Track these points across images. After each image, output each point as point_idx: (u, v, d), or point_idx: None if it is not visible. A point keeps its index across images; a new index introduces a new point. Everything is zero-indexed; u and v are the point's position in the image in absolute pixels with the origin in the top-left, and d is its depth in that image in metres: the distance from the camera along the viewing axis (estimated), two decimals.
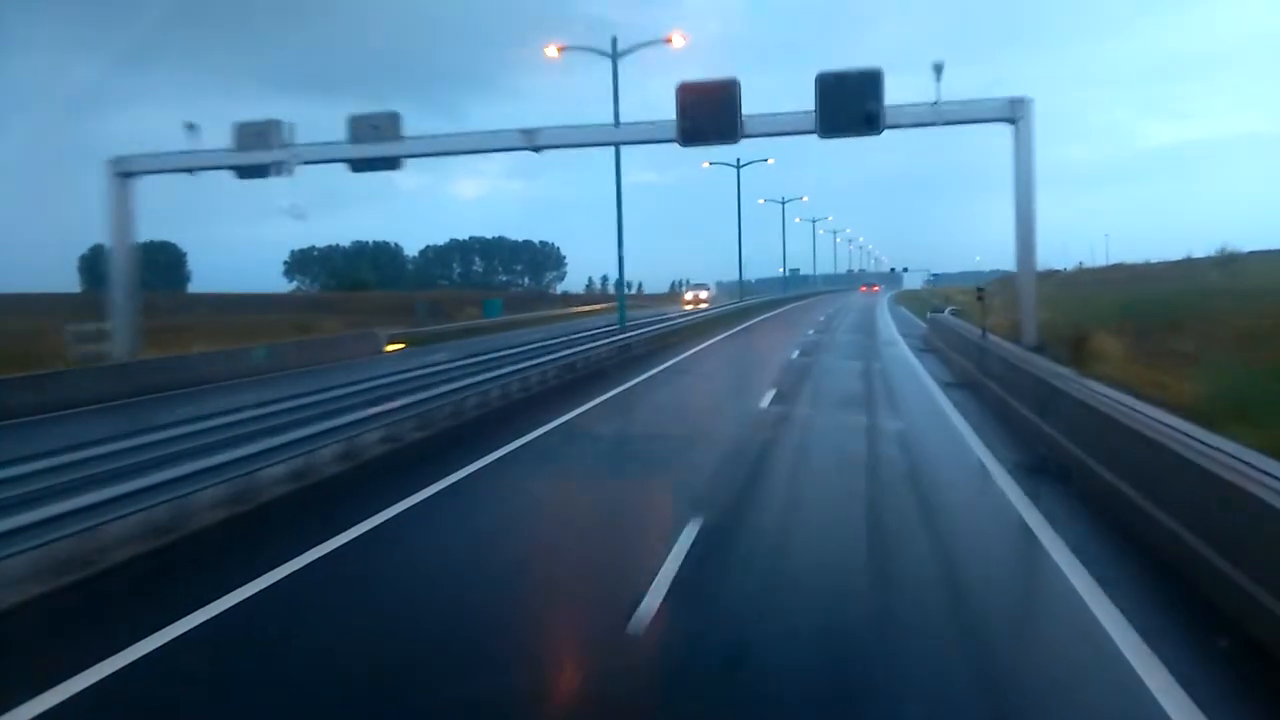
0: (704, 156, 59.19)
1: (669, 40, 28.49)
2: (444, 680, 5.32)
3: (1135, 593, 6.35)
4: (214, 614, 6.28)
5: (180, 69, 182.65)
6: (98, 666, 5.37)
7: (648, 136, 22.71)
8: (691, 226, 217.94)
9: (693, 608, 6.35)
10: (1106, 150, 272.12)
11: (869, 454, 12.13)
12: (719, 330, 37.97)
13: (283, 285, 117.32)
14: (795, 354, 26.44)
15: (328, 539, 7.97)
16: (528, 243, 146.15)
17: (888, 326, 41.34)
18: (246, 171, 23.86)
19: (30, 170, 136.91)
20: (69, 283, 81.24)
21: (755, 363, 26.49)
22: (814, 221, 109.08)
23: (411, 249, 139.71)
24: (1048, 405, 11.98)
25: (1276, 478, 6.04)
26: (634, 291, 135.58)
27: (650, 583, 6.57)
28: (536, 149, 23.00)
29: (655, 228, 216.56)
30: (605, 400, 17.96)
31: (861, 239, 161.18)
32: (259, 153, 22.99)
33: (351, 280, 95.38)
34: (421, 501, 9.49)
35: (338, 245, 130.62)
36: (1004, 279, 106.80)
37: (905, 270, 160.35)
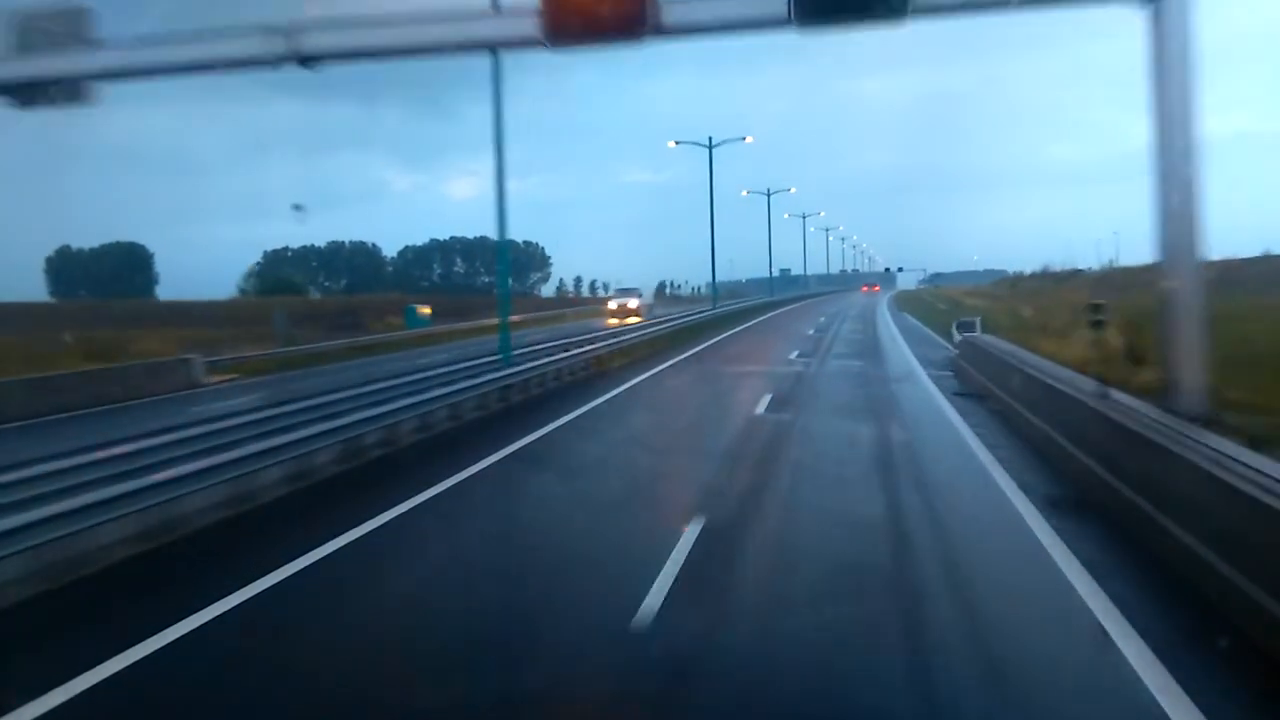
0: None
1: None
2: None
3: None
4: None
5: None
6: None
7: (490, 37, 12.92)
8: (687, 226, 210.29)
9: None
10: (1095, 149, 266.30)
11: None
12: (663, 356, 27.38)
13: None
14: (762, 405, 16.69)
15: None
16: (510, 242, 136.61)
17: (896, 345, 31.50)
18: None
19: None
20: None
21: (691, 427, 15.96)
22: (804, 217, 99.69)
23: (401, 249, 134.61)
24: None
25: None
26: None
27: None
28: (304, 61, 13.14)
29: (649, 228, 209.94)
30: (344, 547, 8.25)
31: (855, 237, 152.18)
32: None
33: (280, 284, 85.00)
34: None
35: (313, 246, 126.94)
36: (1012, 280, 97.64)
37: (900, 270, 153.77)
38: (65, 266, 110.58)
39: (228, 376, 25.60)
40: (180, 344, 28.96)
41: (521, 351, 20.06)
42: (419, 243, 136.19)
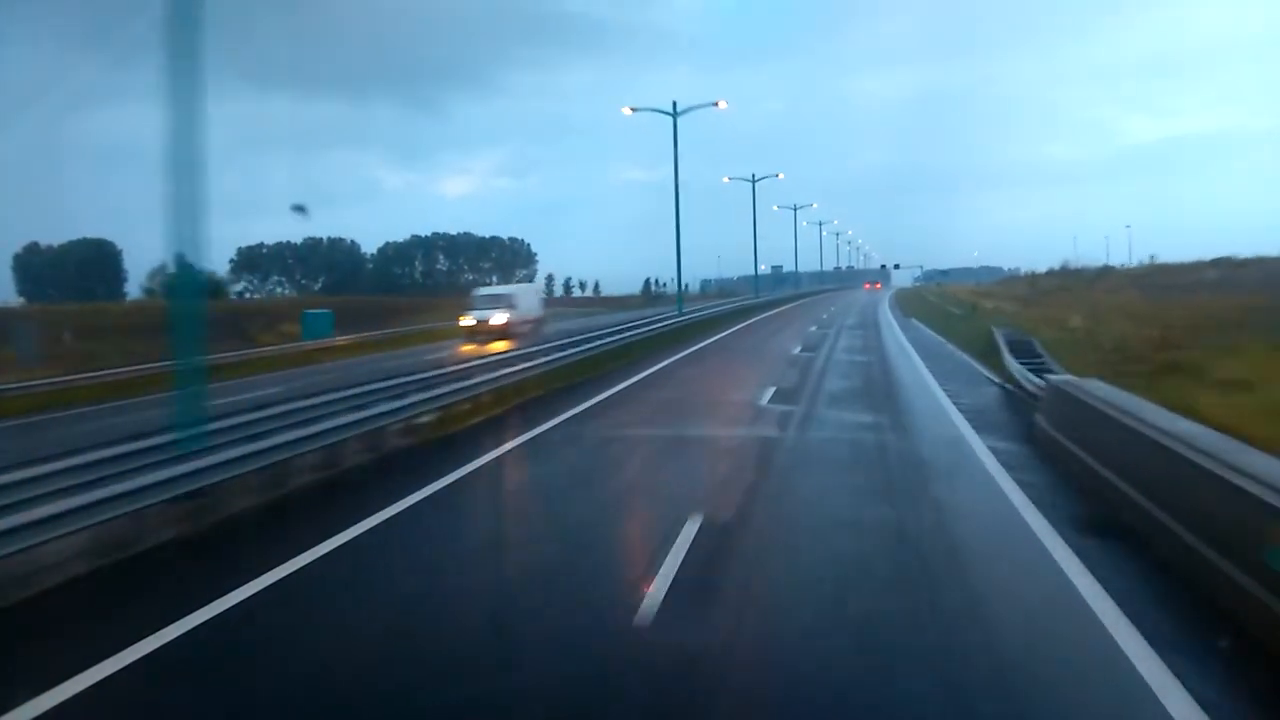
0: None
1: None
2: None
3: None
4: None
5: (152, 63, 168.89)
6: None
7: None
8: (687, 225, 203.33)
9: None
10: (1090, 148, 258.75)
11: None
12: (525, 416, 15.83)
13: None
14: (663, 586, 6.97)
15: None
16: (495, 239, 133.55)
17: (919, 377, 21.47)
18: None
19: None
20: None
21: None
22: (795, 209, 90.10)
23: (381, 246, 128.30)
24: None
25: None
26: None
27: None
28: None
29: (642, 225, 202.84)
30: None
31: (850, 232, 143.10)
32: None
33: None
34: None
35: (288, 242, 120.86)
36: (1028, 279, 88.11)
37: (896, 267, 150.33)
38: (33, 264, 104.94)
39: None
40: None
41: (228, 425, 10.34)
42: (400, 239, 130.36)
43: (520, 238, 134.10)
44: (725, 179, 69.46)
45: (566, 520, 9.56)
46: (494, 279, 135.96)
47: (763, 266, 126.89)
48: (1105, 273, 63.54)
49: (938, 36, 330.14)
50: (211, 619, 6.55)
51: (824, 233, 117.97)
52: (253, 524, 9.41)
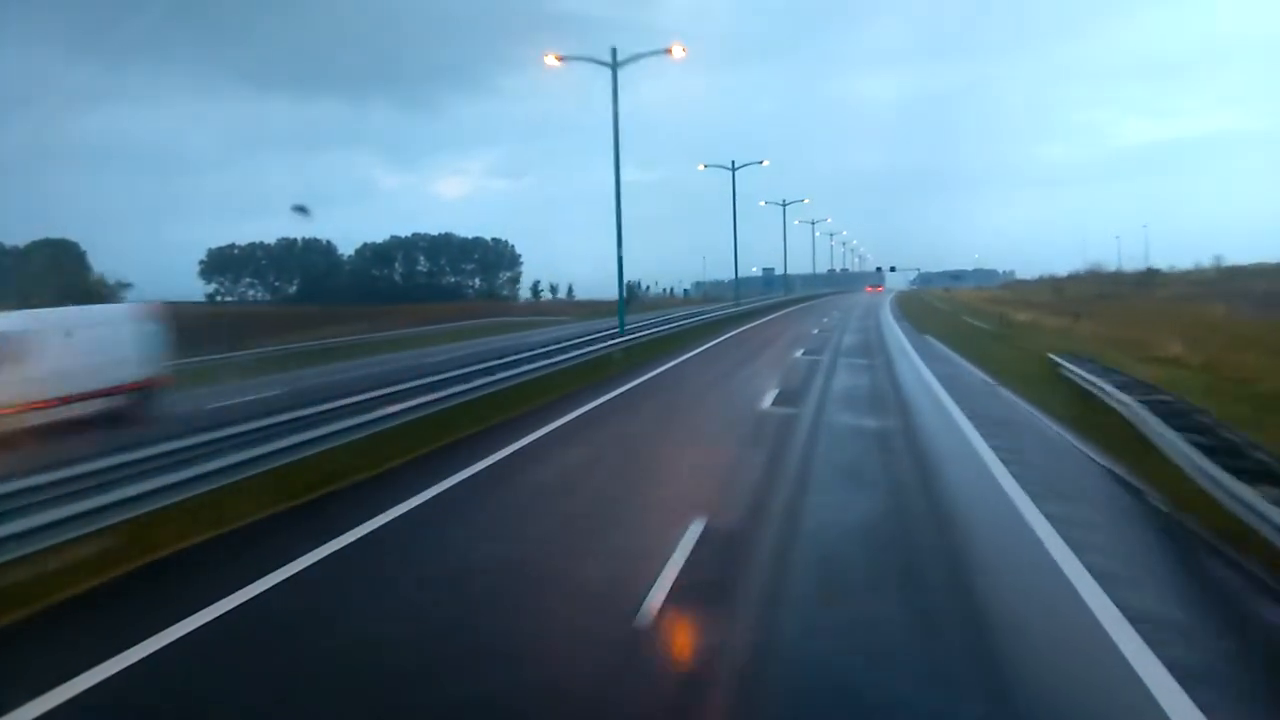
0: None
1: None
2: None
3: None
4: None
5: (150, 64, 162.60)
6: None
7: None
8: (676, 226, 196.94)
9: None
10: (1085, 150, 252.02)
11: None
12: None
13: (195, 291, 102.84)
14: None
15: None
16: (478, 240, 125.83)
17: (981, 468, 11.74)
18: None
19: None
20: None
21: None
22: (784, 204, 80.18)
23: (359, 247, 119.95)
24: None
25: None
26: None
27: None
28: None
29: (636, 227, 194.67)
30: None
31: (844, 233, 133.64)
32: None
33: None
34: None
35: (261, 243, 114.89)
36: (1054, 284, 77.98)
37: (892, 269, 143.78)
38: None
39: None
40: None
41: None
42: (378, 239, 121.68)
43: (504, 239, 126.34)
44: (701, 166, 59.35)
45: None
46: (476, 281, 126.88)
47: (753, 269, 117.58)
48: (1150, 277, 53.39)
49: (932, 38, 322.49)
50: None
51: (816, 233, 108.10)
52: None
